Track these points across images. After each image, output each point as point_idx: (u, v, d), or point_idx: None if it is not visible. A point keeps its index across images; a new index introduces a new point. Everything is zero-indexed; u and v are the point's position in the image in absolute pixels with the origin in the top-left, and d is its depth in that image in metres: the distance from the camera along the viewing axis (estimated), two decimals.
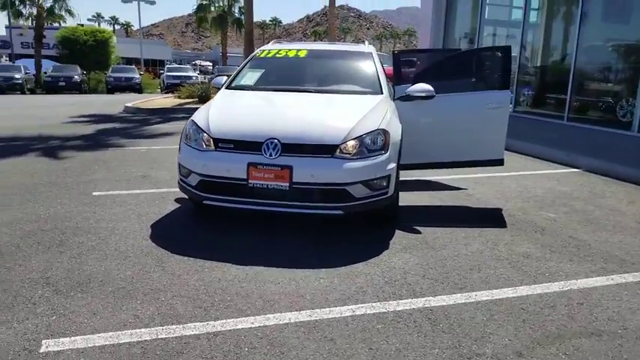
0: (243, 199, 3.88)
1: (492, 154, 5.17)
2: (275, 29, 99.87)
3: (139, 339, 2.52)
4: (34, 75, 30.17)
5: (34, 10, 34.19)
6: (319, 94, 4.76)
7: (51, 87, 26.02)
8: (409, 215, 4.69)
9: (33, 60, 33.45)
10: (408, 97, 4.88)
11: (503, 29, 14.79)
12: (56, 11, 35.26)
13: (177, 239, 3.97)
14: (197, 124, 4.15)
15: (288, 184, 3.74)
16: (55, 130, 10.06)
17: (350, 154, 3.85)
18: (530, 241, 4.11)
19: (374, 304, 2.95)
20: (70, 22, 40.77)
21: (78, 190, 5.35)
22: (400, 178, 4.43)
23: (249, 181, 3.79)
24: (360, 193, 3.86)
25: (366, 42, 6.14)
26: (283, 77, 5.25)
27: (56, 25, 39.73)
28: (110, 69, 30.79)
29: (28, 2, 34.06)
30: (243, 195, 3.86)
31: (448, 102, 5.09)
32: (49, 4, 34.46)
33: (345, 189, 3.80)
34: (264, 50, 5.68)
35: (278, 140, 3.80)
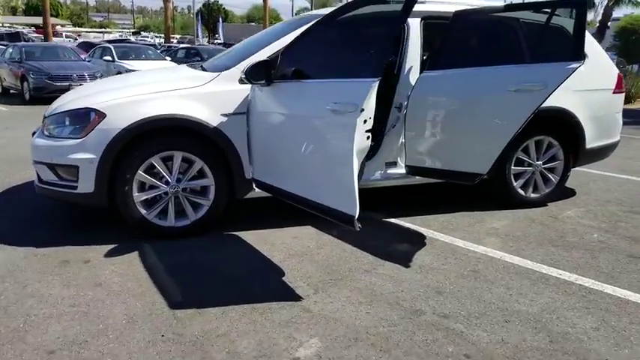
0: None
1: (335, 202, 2.69)
2: None
3: None
4: None
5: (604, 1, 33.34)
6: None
7: None
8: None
9: None
10: (243, 81, 3.33)
11: None
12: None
13: None
14: None
15: None
16: None
17: (52, 129, 3.42)
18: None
19: None
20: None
21: None
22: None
23: None
24: (47, 176, 3.41)
25: None
26: None
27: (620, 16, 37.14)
28: None
29: None
30: None
31: (293, 94, 3.15)
32: None
33: (35, 166, 3.49)
34: None
35: None
